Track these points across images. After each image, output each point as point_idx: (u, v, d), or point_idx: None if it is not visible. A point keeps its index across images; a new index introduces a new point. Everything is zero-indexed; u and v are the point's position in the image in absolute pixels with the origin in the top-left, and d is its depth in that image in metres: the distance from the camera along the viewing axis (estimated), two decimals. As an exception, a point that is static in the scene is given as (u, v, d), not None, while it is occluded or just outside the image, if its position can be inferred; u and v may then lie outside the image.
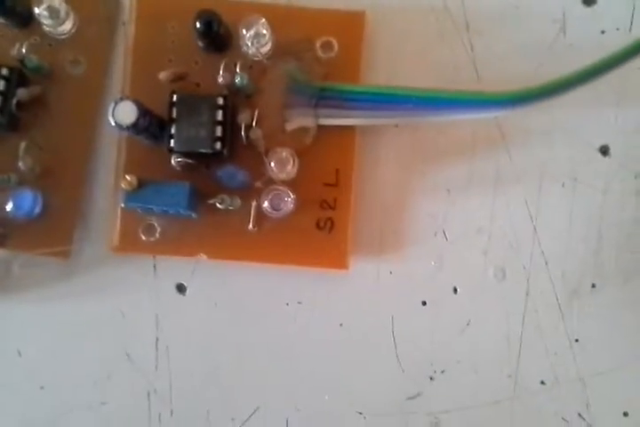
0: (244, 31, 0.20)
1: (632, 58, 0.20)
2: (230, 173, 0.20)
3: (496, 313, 0.20)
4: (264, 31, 0.20)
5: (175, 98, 0.20)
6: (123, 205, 0.19)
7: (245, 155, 0.20)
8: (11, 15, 0.20)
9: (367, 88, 0.20)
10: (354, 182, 0.20)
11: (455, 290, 0.20)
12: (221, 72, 0.20)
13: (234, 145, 0.20)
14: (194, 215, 0.20)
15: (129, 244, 0.20)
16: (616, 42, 0.20)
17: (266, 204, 0.20)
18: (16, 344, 0.20)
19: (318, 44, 0.21)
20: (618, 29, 0.21)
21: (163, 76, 0.20)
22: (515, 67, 0.21)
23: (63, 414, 0.20)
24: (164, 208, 0.19)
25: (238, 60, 0.20)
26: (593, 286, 0.20)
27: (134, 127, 0.19)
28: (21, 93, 0.20)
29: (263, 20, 0.20)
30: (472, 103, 0.20)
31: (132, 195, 0.19)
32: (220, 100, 0.20)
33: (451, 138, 0.21)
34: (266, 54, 0.21)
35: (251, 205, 0.20)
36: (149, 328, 0.20)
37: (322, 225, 0.20)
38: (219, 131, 0.19)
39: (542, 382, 0.20)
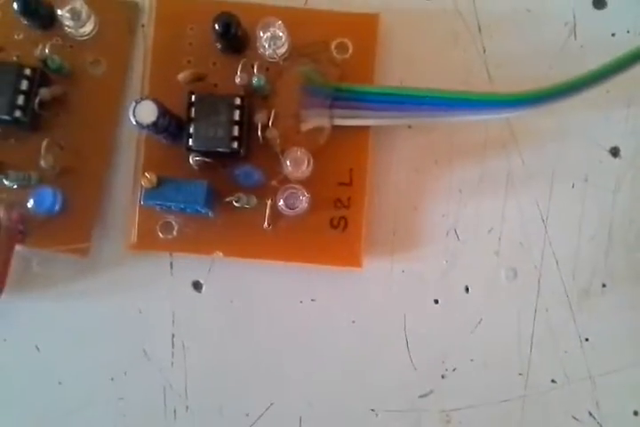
0: (261, 33, 0.21)
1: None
2: (247, 171, 0.20)
3: (507, 312, 0.20)
4: (280, 33, 0.21)
5: (194, 98, 0.20)
6: (142, 203, 0.20)
7: (261, 154, 0.20)
8: (34, 17, 0.21)
9: (381, 89, 0.21)
10: (368, 182, 0.20)
11: (467, 289, 0.21)
12: (239, 73, 0.20)
13: (250, 145, 0.20)
14: (211, 213, 0.20)
15: (147, 241, 0.20)
16: (626, 44, 0.20)
17: (281, 202, 0.20)
18: (34, 340, 0.21)
19: (333, 46, 0.21)
20: (628, 32, 0.22)
21: (182, 76, 0.21)
22: (526, 68, 0.21)
23: (80, 410, 0.21)
24: (182, 206, 0.19)
25: (255, 61, 0.21)
26: (603, 285, 0.20)
27: (154, 126, 0.19)
28: (43, 93, 0.20)
29: (280, 22, 0.21)
30: (484, 104, 0.20)
31: (150, 192, 0.19)
32: (238, 101, 0.20)
33: (463, 139, 0.21)
34: (282, 56, 0.21)
35: (266, 204, 0.20)
36: (166, 325, 0.21)
37: (336, 224, 0.20)
38: (236, 130, 0.20)
39: (553, 381, 0.20)
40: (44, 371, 0.21)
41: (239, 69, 0.21)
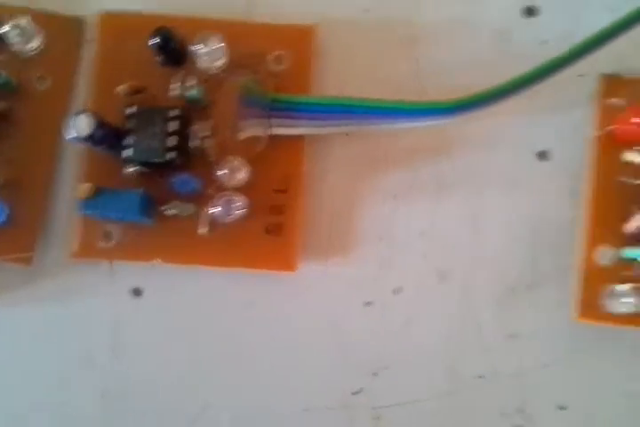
0: (200, 46, 0.21)
1: (565, 66, 0.21)
2: (183, 180, 0.21)
3: (437, 312, 0.21)
4: (218, 46, 0.21)
5: (130, 110, 0.21)
6: (79, 213, 0.20)
7: (199, 163, 0.21)
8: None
9: (317, 99, 0.22)
10: (303, 188, 0.21)
11: (398, 291, 0.21)
12: (175, 85, 0.21)
13: (188, 154, 0.21)
14: (149, 221, 0.21)
15: (87, 250, 0.21)
16: (556, 51, 0.21)
17: (217, 209, 0.21)
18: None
19: (270, 58, 0.22)
20: (559, 40, 0.22)
21: (120, 89, 0.22)
22: (459, 77, 0.22)
23: (20, 416, 0.21)
24: (119, 215, 0.20)
25: (194, 73, 0.21)
26: (530, 285, 0.21)
27: (91, 139, 0.20)
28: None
29: (218, 34, 0.21)
30: (414, 112, 0.21)
31: (87, 203, 0.20)
32: (174, 112, 0.21)
33: (398, 146, 0.22)
34: (220, 68, 0.22)
35: (202, 211, 0.21)
36: (107, 331, 0.21)
37: (271, 229, 0.21)
38: (172, 141, 0.21)
39: (481, 377, 0.21)
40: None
41: (175, 81, 0.21)
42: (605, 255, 0.20)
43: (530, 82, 0.21)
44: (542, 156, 0.22)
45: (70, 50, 0.22)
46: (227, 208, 0.21)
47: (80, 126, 0.20)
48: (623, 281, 0.20)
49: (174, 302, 0.21)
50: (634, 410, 0.21)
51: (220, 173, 0.21)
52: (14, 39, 0.22)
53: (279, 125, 0.21)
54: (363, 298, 0.21)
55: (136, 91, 0.21)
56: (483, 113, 0.21)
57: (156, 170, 0.21)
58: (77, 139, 0.20)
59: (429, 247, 0.21)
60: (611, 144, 0.21)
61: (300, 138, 0.21)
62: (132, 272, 0.21)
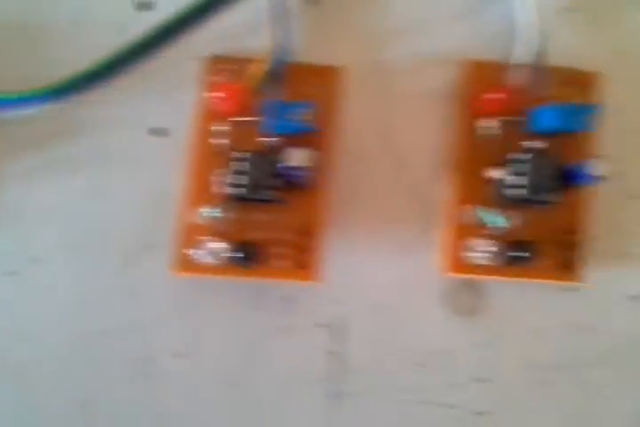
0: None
1: (145, 51, 0.22)
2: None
3: (70, 279, 0.23)
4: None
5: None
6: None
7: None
8: None
9: None
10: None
11: (36, 261, 0.23)
12: None
13: None
14: None
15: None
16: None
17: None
18: None
19: None
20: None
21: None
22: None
23: None
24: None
25: None
26: (151, 247, 0.23)
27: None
28: None
29: None
30: (10, 101, 0.23)
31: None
32: None
33: (33, 132, 0.24)
34: None
35: None
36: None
37: None
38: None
39: (105, 332, 0.23)
40: None
41: None
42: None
43: (112, 66, 0.23)
44: (158, 132, 0.24)
45: None
46: None
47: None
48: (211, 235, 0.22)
49: None
50: (250, 352, 0.23)
51: None
52: None
53: None
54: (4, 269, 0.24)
55: None
56: (103, 96, 0.24)
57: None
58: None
59: (62, 221, 0.24)
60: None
61: None
62: None
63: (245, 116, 0.23)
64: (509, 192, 0.23)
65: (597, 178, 0.21)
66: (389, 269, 0.24)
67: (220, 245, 0.22)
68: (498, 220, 0.23)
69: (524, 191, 0.22)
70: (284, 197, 0.22)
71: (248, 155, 0.22)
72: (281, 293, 0.24)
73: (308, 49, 0.24)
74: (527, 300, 0.25)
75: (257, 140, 0.23)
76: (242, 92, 0.22)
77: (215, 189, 0.22)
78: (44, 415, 0.24)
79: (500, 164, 0.23)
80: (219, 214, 0.22)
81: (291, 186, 0.22)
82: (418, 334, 0.24)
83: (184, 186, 0.23)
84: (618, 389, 0.24)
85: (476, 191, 0.23)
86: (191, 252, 0.22)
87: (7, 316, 0.24)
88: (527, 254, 0.23)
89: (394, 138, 0.24)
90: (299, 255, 0.23)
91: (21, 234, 0.24)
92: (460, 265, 0.23)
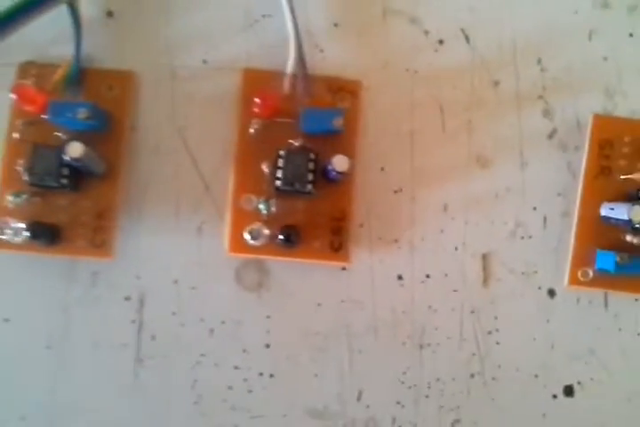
0: None
1: None
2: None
3: None
4: None
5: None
6: None
7: None
8: None
9: None
10: None
11: None
12: None
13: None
14: None
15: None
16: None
17: None
18: None
19: None
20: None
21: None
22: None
23: None
24: None
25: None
26: None
27: None
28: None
29: None
30: None
31: None
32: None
33: None
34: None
35: None
36: None
37: None
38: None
39: None
40: None
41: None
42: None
43: None
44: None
45: None
46: None
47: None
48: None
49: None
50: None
51: None
52: None
53: None
54: None
55: None
56: None
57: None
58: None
59: None
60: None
61: None
62: None
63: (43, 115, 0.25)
64: (275, 183, 0.26)
65: (339, 173, 0.25)
66: (185, 250, 0.28)
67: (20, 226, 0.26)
68: (267, 207, 0.27)
69: (279, 183, 0.26)
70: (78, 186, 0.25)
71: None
72: (89, 268, 0.27)
73: (105, 56, 0.27)
74: (307, 278, 0.28)
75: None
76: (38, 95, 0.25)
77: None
78: None
79: (272, 159, 0.27)
80: (22, 199, 0.26)
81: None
82: (211, 307, 0.28)
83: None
84: (382, 356, 0.29)
85: (253, 182, 0.27)
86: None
87: None
88: (292, 236, 0.26)
89: (187, 134, 0.28)
90: (95, 235, 0.27)
91: None
92: (241, 246, 0.27)
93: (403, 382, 0.28)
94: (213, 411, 0.28)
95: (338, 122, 0.26)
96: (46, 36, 0.28)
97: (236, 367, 0.28)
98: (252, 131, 0.27)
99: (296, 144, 0.27)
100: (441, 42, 0.29)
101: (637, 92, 0.29)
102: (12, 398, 0.27)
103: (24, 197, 0.26)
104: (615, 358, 0.29)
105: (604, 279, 0.28)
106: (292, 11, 0.27)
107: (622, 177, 0.28)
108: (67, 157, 0.24)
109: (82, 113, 0.24)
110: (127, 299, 0.28)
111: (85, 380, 0.28)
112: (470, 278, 0.28)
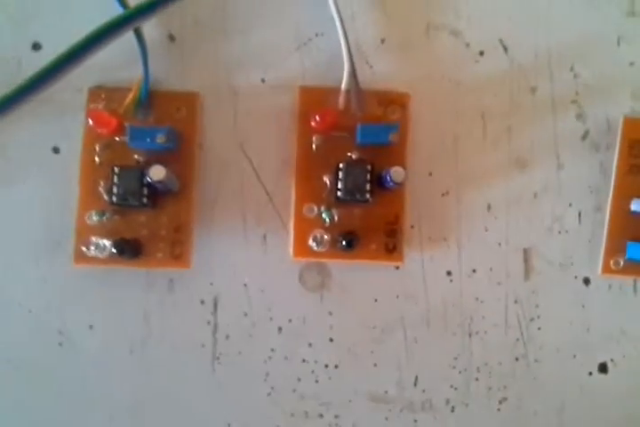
0: None
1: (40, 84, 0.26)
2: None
3: None
4: None
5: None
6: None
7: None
8: None
9: None
10: None
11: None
12: None
13: None
14: None
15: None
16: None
17: None
18: None
19: None
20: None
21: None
22: None
23: None
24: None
25: None
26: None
27: None
28: None
29: None
30: None
31: None
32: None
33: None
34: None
35: None
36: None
37: None
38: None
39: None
40: None
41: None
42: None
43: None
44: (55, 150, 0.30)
45: None
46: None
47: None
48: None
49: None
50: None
51: None
52: None
53: None
54: None
55: None
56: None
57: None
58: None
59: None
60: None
61: None
62: None
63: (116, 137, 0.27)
64: (337, 194, 0.28)
65: (396, 183, 0.27)
66: (253, 256, 0.30)
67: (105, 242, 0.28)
68: (329, 215, 0.29)
69: (340, 193, 0.28)
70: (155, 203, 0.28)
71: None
72: (166, 276, 0.29)
73: (169, 78, 0.29)
74: (364, 277, 0.31)
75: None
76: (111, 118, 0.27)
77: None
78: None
79: (332, 171, 0.29)
80: (104, 218, 0.28)
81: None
82: (278, 307, 0.31)
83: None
84: (435, 344, 0.31)
85: (314, 192, 0.29)
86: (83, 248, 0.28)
87: None
88: (353, 241, 0.29)
89: (249, 149, 0.30)
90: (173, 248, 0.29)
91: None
92: (305, 251, 0.29)
93: (454, 367, 0.31)
94: (285, 400, 0.31)
95: (394, 136, 0.28)
96: (112, 61, 0.29)
97: (303, 360, 0.31)
98: (314, 147, 0.29)
99: (353, 157, 0.29)
100: (481, 53, 0.31)
101: (664, 95, 0.32)
102: (100, 399, 0.30)
103: (107, 215, 0.28)
104: (644, 338, 0.32)
105: (633, 268, 0.30)
106: (344, 29, 0.29)
107: (651, 174, 0.31)
108: (149, 179, 0.26)
109: (160, 138, 0.26)
110: (202, 303, 0.30)
111: (167, 379, 0.30)
112: (513, 271, 0.31)
